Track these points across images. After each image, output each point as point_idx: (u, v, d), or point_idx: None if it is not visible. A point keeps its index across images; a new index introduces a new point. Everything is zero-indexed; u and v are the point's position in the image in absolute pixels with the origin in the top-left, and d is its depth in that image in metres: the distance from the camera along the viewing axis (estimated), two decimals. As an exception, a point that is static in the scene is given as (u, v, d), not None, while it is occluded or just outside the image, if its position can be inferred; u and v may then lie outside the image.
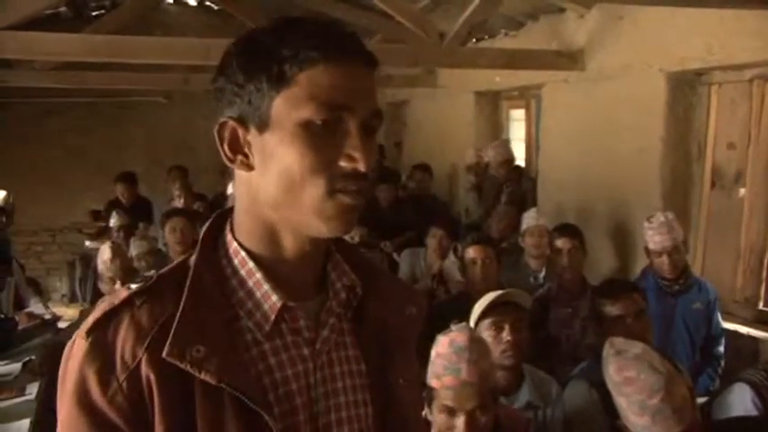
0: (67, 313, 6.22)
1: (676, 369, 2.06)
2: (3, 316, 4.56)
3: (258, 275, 1.05)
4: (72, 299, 7.32)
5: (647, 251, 3.89)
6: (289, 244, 1.06)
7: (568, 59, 5.27)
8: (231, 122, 1.03)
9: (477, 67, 5.48)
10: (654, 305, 3.33)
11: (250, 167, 1.03)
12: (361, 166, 0.98)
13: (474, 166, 6.46)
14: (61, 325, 4.84)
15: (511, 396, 2.78)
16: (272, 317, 1.04)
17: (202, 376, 0.96)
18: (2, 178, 7.69)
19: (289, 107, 0.97)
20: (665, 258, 3.76)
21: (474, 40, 6.56)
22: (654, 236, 3.78)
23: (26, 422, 3.26)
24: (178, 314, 0.99)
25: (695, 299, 3.82)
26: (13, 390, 3.62)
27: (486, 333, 2.77)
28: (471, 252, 4.01)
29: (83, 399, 0.97)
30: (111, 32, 5.52)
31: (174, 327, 0.98)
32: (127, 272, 3.76)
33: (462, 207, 6.86)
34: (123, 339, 0.98)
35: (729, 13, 3.79)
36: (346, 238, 1.16)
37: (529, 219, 4.74)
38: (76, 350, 1.00)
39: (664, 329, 3.66)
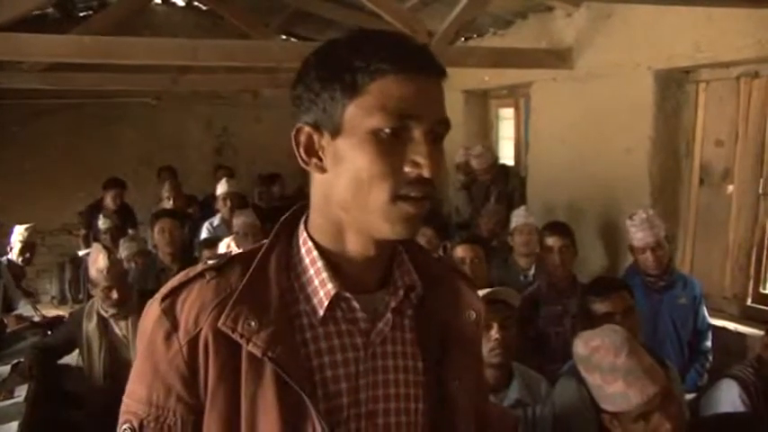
0: (57, 315, 6.19)
1: (662, 364, 2.09)
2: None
3: (320, 264, 1.13)
4: (62, 301, 7.28)
5: (631, 248, 3.92)
6: (354, 243, 1.13)
7: (557, 58, 5.28)
8: (307, 128, 1.09)
9: (465, 66, 5.47)
10: (640, 302, 3.33)
11: (323, 170, 1.10)
12: (426, 172, 1.04)
13: (463, 165, 6.45)
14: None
15: (500, 394, 2.78)
16: (326, 302, 1.11)
17: (249, 347, 1.06)
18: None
19: (360, 115, 1.03)
20: (648, 254, 3.79)
21: (463, 38, 6.57)
22: (636, 233, 3.82)
23: (14, 425, 3.24)
24: (239, 289, 1.09)
25: (681, 294, 3.85)
26: (1, 392, 3.60)
27: (475, 331, 2.77)
28: (460, 251, 4.01)
29: (150, 357, 1.10)
30: (99, 33, 5.49)
31: (232, 300, 1.08)
32: (121, 278, 3.74)
33: (452, 206, 6.87)
34: (189, 308, 1.09)
35: (717, 11, 3.81)
36: None
37: (518, 217, 4.75)
38: (152, 313, 1.11)
39: (650, 326, 3.68)
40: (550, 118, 5.67)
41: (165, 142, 9.18)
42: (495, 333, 2.78)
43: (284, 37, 8.58)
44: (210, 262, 1.15)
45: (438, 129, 1.07)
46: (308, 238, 1.15)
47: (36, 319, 4.94)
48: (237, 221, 4.98)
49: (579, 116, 5.23)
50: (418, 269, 1.21)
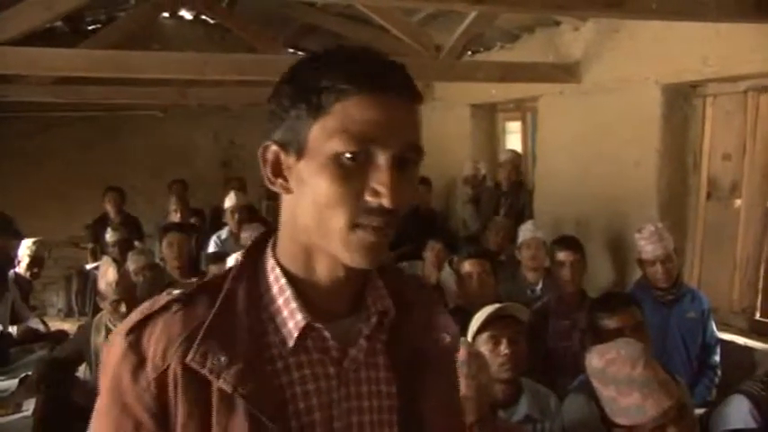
0: (64, 328, 6.19)
1: (672, 379, 2.08)
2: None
3: (288, 293, 1.08)
4: (68, 313, 7.29)
5: (640, 262, 3.92)
6: (322, 267, 1.08)
7: (564, 72, 5.29)
8: (274, 146, 1.07)
9: (473, 80, 5.49)
10: (648, 316, 3.32)
11: (288, 191, 1.07)
12: (386, 202, 0.99)
13: (471, 179, 6.47)
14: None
15: (509, 409, 2.77)
16: (295, 334, 1.06)
17: (219, 383, 1.01)
18: (0, 193, 7.70)
19: (322, 137, 0.99)
20: (658, 267, 3.79)
21: (470, 52, 6.58)
22: (646, 245, 3.82)
23: (23, 439, 3.25)
24: (206, 323, 1.04)
25: (689, 308, 3.85)
26: (9, 406, 3.60)
27: (484, 347, 2.77)
28: (467, 266, 3.99)
29: (116, 392, 1.04)
30: (108, 47, 5.54)
31: (200, 334, 1.03)
32: (130, 292, 3.74)
33: (460, 219, 6.86)
34: (156, 342, 1.04)
35: (724, 25, 3.82)
36: None
37: (525, 231, 4.75)
38: (116, 348, 1.06)
39: (659, 340, 3.66)
40: (557, 132, 5.67)
41: (172, 155, 9.18)
42: (504, 348, 2.78)
43: (292, 51, 8.60)
44: (175, 293, 1.10)
45: (407, 155, 1.02)
46: (275, 265, 1.10)
47: (42, 330, 4.94)
48: (245, 235, 4.99)
49: (586, 130, 5.23)
50: (392, 293, 1.16)
